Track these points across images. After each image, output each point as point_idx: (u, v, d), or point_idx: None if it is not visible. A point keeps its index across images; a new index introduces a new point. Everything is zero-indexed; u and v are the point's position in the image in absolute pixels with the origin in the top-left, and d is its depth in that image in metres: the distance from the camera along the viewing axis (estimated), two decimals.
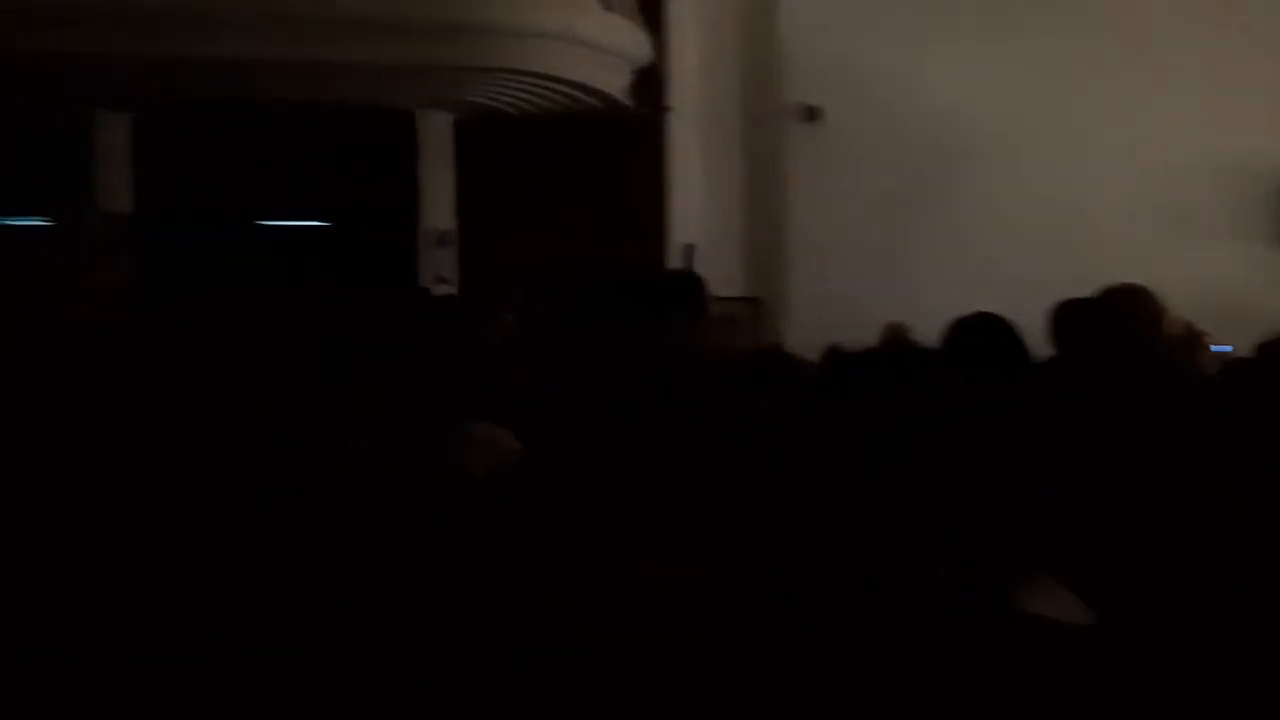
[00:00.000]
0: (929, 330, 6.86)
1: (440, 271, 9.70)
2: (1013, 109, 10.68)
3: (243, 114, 9.01)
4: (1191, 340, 4.26)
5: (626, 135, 10.12)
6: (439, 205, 9.79)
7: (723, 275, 10.81)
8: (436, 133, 9.65)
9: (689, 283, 4.40)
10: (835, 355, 3.46)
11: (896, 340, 7.19)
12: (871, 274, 10.16)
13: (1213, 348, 5.17)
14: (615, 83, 10.01)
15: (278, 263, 9.47)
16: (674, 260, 10.45)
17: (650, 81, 10.34)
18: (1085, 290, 4.18)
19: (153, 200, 9.25)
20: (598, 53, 9.59)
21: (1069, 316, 2.66)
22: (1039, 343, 3.64)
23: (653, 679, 2.16)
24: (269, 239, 9.85)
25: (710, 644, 2.07)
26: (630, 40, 9.97)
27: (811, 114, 11.08)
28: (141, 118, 9.18)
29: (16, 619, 2.12)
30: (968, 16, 10.68)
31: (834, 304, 9.63)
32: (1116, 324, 2.36)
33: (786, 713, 1.97)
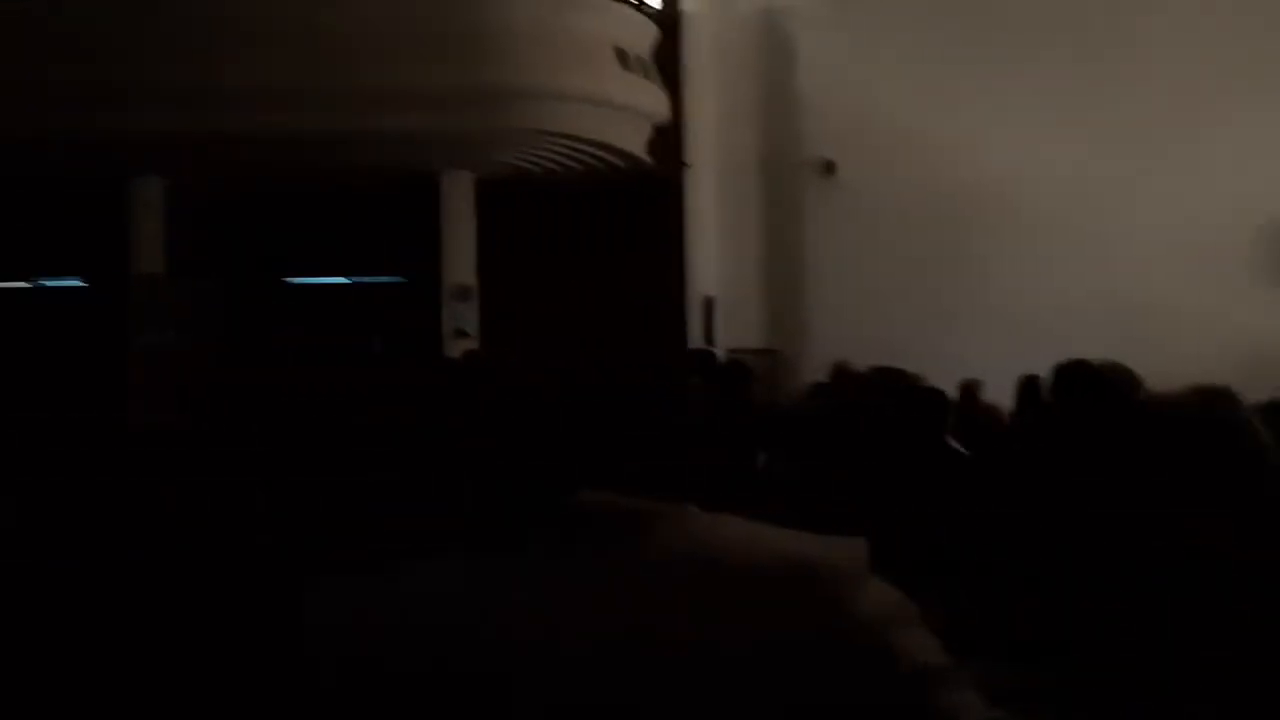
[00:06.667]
0: (949, 383, 6.98)
1: (461, 325, 9.85)
2: (1038, 167, 10.78)
3: (271, 178, 9.23)
4: None
5: (646, 192, 10.29)
6: (461, 262, 9.95)
7: (742, 327, 10.96)
8: (459, 192, 9.83)
9: None
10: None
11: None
12: (890, 326, 10.24)
13: None
14: (635, 141, 10.19)
15: (303, 318, 9.64)
16: (694, 313, 10.59)
17: (669, 139, 10.53)
18: (1111, 346, 4.23)
19: (184, 261, 9.45)
20: (617, 112, 9.77)
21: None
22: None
23: None
24: (295, 296, 10.03)
25: None
26: (649, 99, 10.16)
27: (829, 168, 11.25)
28: (174, 183, 9.41)
29: None
30: (992, 74, 10.81)
31: (852, 355, 9.68)
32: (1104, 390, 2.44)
33: None
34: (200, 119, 8.39)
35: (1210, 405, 1.53)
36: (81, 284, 9.81)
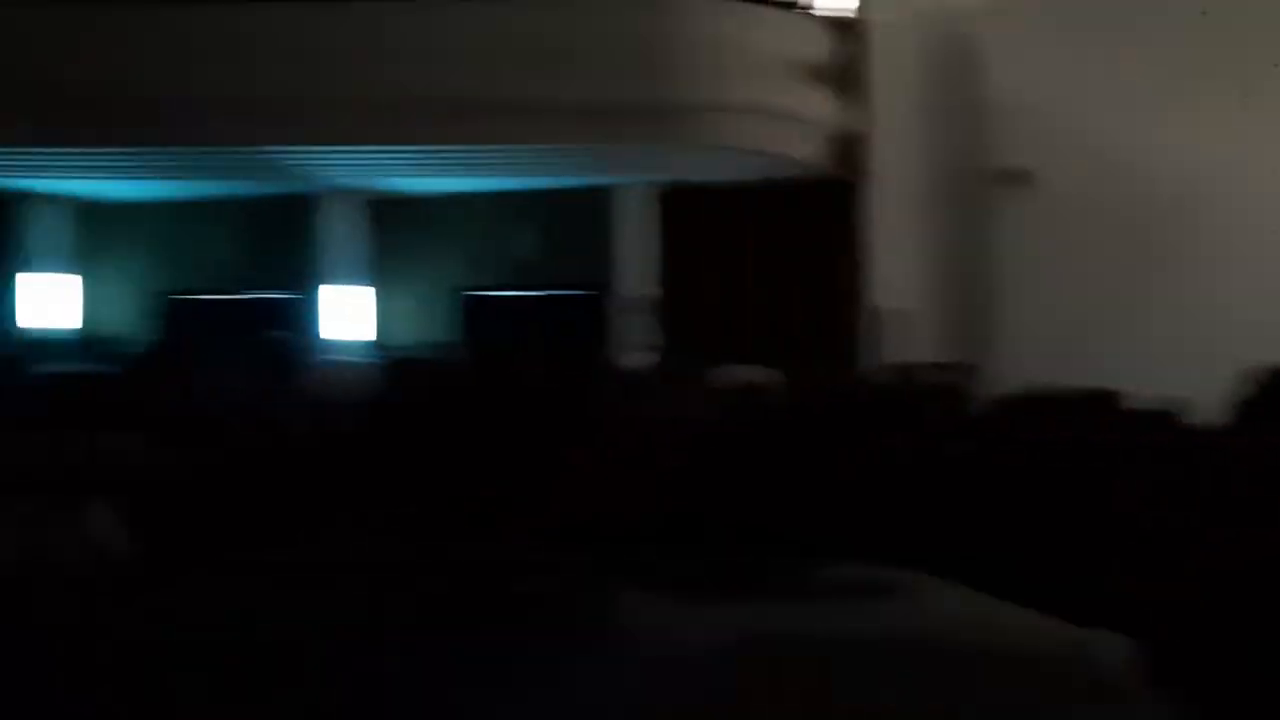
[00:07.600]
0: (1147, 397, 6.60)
1: (643, 337, 9.90)
2: (1236, 166, 10.15)
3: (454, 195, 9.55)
4: None
5: (826, 201, 10.15)
6: (640, 274, 10.03)
7: (925, 340, 10.63)
8: (637, 205, 9.93)
9: None
10: None
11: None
12: (1086, 338, 9.76)
13: None
14: (814, 151, 10.06)
15: (487, 329, 9.90)
16: (875, 324, 10.36)
17: (851, 147, 10.35)
18: None
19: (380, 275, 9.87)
20: (795, 123, 9.67)
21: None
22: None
23: None
24: (480, 308, 10.31)
25: None
26: (827, 109, 10.03)
27: (1021, 177, 10.81)
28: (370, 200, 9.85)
29: None
30: (1185, 74, 10.26)
31: (1045, 369, 9.23)
32: None
33: None
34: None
35: None
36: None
